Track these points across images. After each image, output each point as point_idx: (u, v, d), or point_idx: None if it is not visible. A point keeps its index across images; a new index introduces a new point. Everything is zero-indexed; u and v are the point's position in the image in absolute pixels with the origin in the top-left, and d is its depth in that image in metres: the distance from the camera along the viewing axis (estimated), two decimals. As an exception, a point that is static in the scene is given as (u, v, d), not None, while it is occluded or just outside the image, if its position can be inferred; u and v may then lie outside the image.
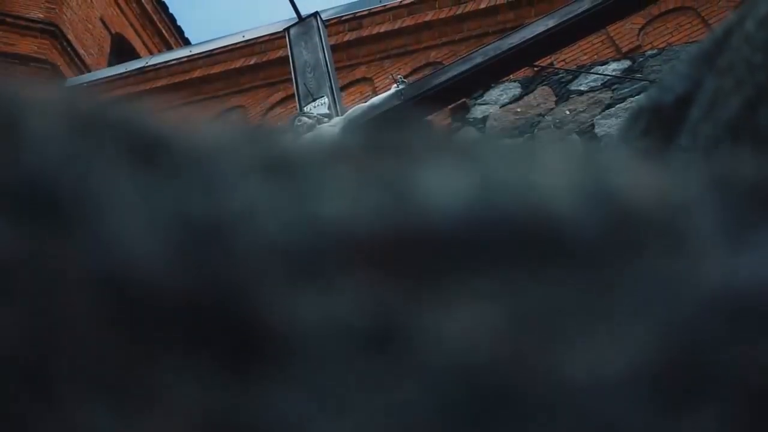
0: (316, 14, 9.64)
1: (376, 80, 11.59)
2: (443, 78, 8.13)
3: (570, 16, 7.84)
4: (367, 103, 8.26)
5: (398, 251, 0.30)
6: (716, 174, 0.37)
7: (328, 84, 8.73)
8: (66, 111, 0.32)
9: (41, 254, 0.28)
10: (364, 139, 0.36)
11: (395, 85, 8.11)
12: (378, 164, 0.33)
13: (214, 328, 0.27)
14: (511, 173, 0.33)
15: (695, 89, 0.98)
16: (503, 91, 10.27)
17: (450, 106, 9.72)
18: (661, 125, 1.02)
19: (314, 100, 8.61)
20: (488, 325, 0.28)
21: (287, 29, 9.76)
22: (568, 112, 9.64)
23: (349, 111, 8.32)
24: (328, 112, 8.38)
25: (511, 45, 7.97)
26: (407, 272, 0.29)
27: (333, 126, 8.03)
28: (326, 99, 8.56)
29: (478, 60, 8.04)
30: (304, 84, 8.82)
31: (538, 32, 7.90)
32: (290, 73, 9.36)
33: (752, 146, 0.86)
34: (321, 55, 9.02)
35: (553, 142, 9.06)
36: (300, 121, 8.15)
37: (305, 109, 8.47)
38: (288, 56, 9.61)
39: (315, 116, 8.18)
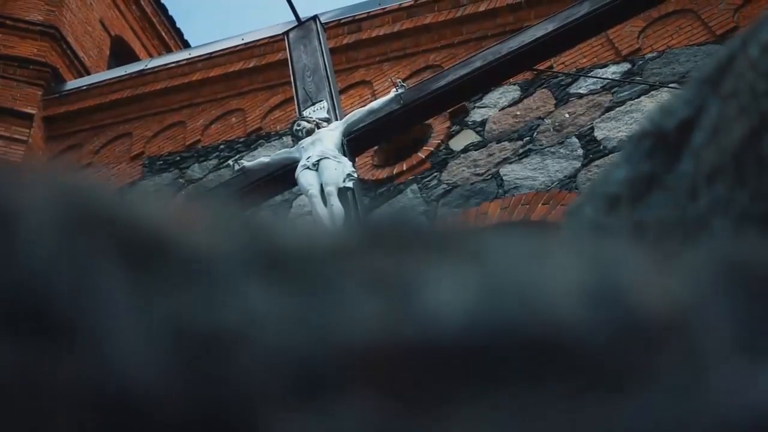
0: (315, 18, 9.63)
1: (375, 83, 11.59)
2: (442, 82, 8.12)
3: (569, 20, 7.83)
4: (366, 108, 8.24)
5: (401, 366, 0.29)
6: (731, 269, 0.36)
7: (327, 88, 8.72)
8: (59, 210, 0.31)
9: (32, 372, 0.27)
10: (365, 234, 0.35)
11: (394, 89, 8.10)
12: (380, 265, 0.32)
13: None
14: (517, 275, 0.32)
15: (698, 114, 0.97)
16: (502, 94, 10.27)
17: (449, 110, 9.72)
18: (664, 149, 1.01)
19: (313, 104, 8.59)
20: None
21: (286, 33, 9.76)
22: (567, 115, 9.63)
23: (348, 115, 8.31)
24: (327, 116, 8.36)
25: (511, 49, 7.96)
26: (410, 389, 0.28)
27: (332, 130, 8.02)
28: (325, 103, 8.55)
29: (478, 64, 8.03)
30: (303, 88, 8.81)
31: (537, 36, 7.89)
32: (289, 76, 9.36)
33: (756, 175, 0.85)
34: (320, 59, 9.01)
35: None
36: (299, 125, 8.14)
37: (304, 113, 8.47)
38: (287, 59, 9.61)
39: (314, 120, 8.17)
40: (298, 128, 8.11)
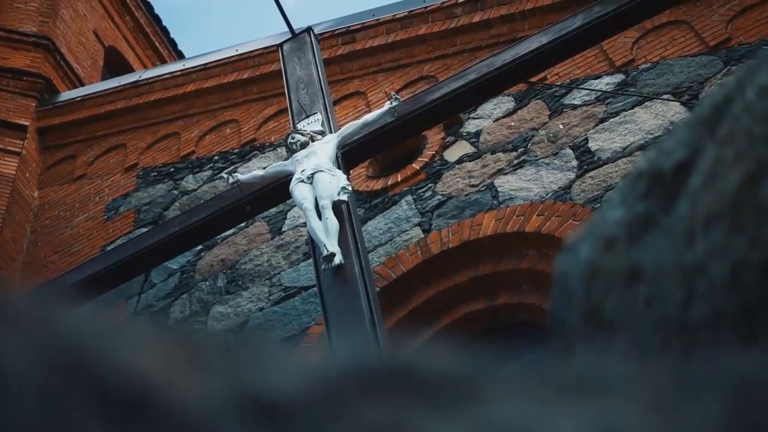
0: (309, 30, 9.63)
1: (369, 94, 11.58)
2: (437, 95, 8.12)
3: (563, 32, 7.84)
4: (361, 120, 8.25)
5: None
6: (734, 426, 0.35)
7: (321, 100, 8.72)
8: (40, 363, 0.30)
9: None
10: (359, 379, 0.34)
11: (389, 101, 8.10)
12: (374, 415, 0.32)
13: None
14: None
15: (695, 156, 0.97)
16: (496, 105, 10.25)
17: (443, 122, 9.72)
18: (660, 190, 1.00)
19: (307, 116, 8.60)
20: None
21: (280, 45, 9.76)
22: (561, 126, 9.62)
23: (343, 128, 8.31)
24: (321, 128, 8.37)
25: (505, 61, 7.97)
26: None
27: (327, 143, 8.02)
28: (320, 115, 8.56)
29: (472, 76, 8.04)
30: (298, 100, 8.81)
31: (531, 49, 7.90)
32: (283, 88, 9.36)
33: (754, 223, 0.84)
34: (314, 72, 9.01)
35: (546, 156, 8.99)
36: (293, 138, 8.14)
37: (299, 126, 8.47)
38: (281, 70, 9.61)
39: (308, 133, 8.18)
40: (292, 141, 8.12)
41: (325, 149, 7.92)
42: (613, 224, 1.04)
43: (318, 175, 7.61)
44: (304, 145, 8.03)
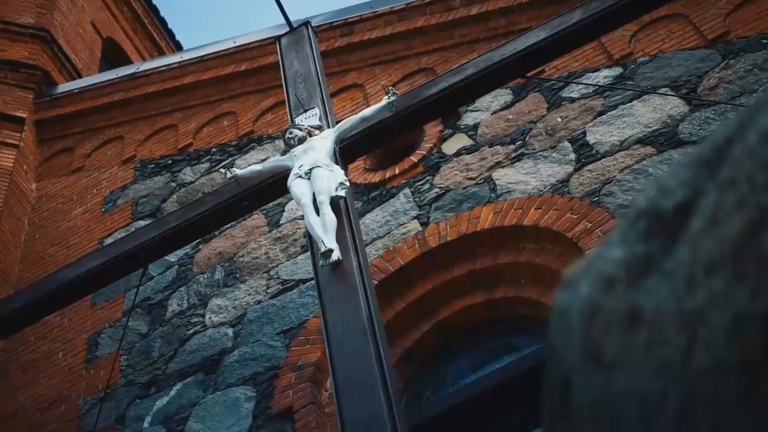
0: (307, 23, 9.62)
1: (367, 86, 11.56)
2: (434, 90, 8.12)
3: (561, 27, 7.83)
4: (358, 115, 8.24)
5: None
6: None
7: (319, 95, 8.71)
8: None
9: None
10: None
11: (386, 96, 8.08)
12: None
13: None
14: None
15: (695, 198, 0.96)
16: (494, 98, 10.22)
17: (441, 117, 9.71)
18: (660, 230, 1.00)
19: (305, 111, 8.59)
20: None
21: (278, 38, 9.74)
22: (559, 119, 9.60)
23: (340, 123, 8.30)
24: (319, 123, 8.36)
25: (503, 56, 7.96)
26: None
27: (325, 138, 8.01)
28: (317, 110, 8.54)
29: (470, 71, 8.03)
30: (295, 95, 8.80)
31: (529, 44, 7.89)
32: (281, 81, 9.34)
33: (756, 272, 0.83)
34: (312, 66, 9.00)
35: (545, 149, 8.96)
36: (291, 133, 8.13)
37: (296, 120, 8.46)
38: (278, 63, 9.60)
39: (306, 128, 8.17)
40: (290, 136, 8.11)
41: (322, 144, 7.91)
42: (613, 264, 1.03)
43: (316, 171, 7.60)
44: (301, 141, 8.02)
